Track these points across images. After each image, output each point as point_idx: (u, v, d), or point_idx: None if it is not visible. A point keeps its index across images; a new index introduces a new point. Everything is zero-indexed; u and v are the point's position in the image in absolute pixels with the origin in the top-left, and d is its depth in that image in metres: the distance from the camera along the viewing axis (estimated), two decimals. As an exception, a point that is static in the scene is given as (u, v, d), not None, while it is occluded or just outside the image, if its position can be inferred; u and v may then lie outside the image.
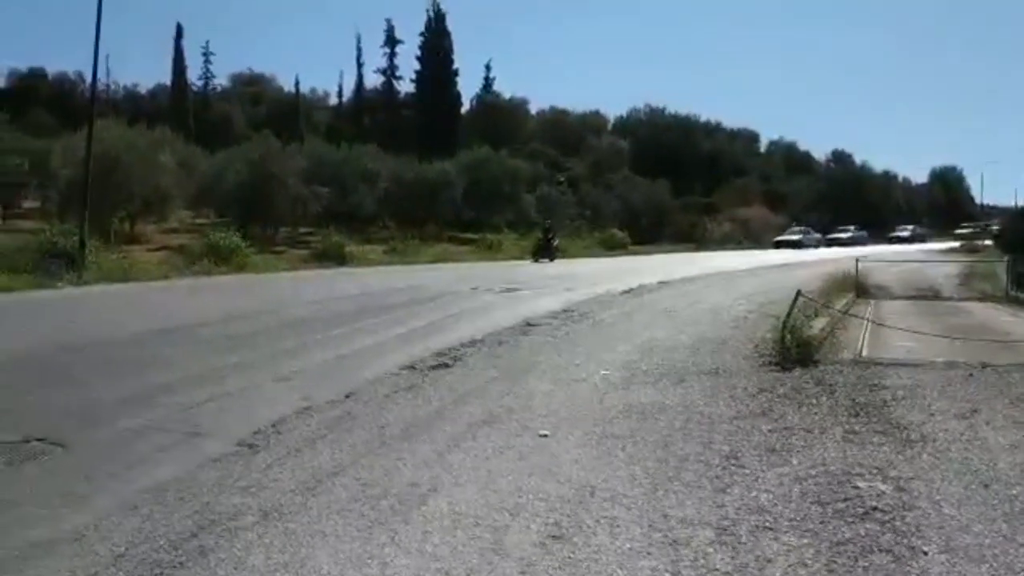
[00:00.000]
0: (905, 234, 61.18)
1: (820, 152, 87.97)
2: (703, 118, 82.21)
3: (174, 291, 17.44)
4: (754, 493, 4.77)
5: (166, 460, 5.45)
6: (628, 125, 79.86)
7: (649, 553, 3.93)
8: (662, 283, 21.14)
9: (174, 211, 33.24)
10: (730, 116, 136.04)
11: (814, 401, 7.02)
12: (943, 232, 60.60)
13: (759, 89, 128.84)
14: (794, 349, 8.74)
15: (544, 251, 33.30)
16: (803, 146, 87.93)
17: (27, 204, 29.73)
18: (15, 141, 23.92)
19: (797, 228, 53.65)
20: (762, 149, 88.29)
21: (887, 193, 75.90)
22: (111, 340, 10.25)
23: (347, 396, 7.41)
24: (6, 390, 7.31)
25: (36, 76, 65.71)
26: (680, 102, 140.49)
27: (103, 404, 6.86)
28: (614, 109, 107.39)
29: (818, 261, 28.12)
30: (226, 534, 4.16)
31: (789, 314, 9.42)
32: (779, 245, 48.81)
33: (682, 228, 54.49)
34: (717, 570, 3.73)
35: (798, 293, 10.00)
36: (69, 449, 5.65)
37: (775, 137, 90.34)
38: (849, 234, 56.21)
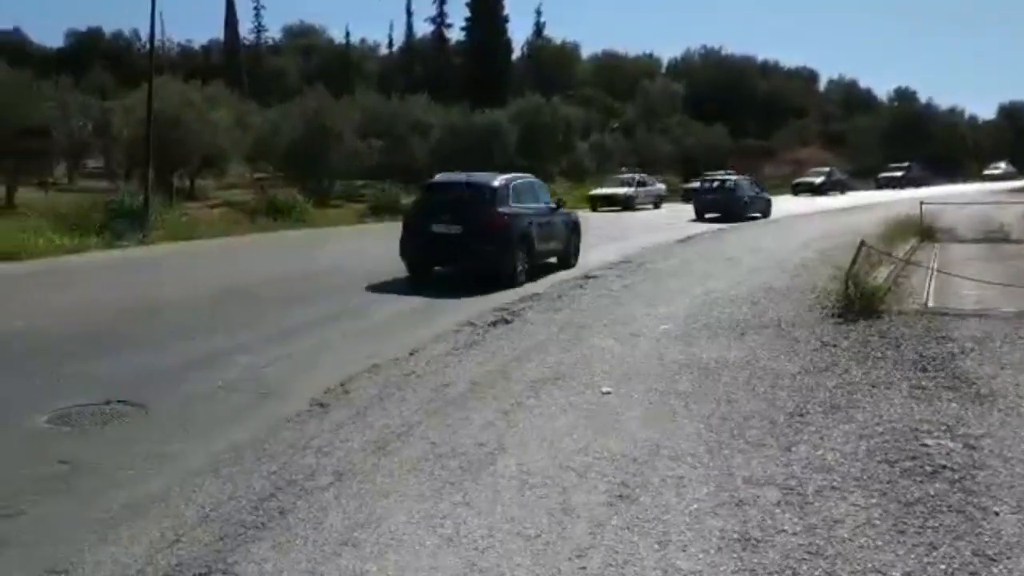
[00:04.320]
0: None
1: (883, 90, 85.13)
2: (760, 58, 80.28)
3: (237, 249, 17.79)
4: (820, 451, 4.77)
5: (242, 420, 5.66)
6: (683, 68, 78.30)
7: (716, 513, 3.98)
8: (721, 230, 20.93)
9: (231, 167, 33.74)
10: (788, 55, 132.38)
11: (879, 355, 6.94)
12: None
13: (818, 26, 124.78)
14: (857, 300, 8.63)
15: None
16: (864, 84, 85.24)
17: (92, 164, 30.52)
18: (78, 103, 24.41)
19: (627, 176, 35.77)
20: (821, 88, 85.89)
21: (953, 131, 73.11)
22: (181, 300, 10.54)
23: (411, 353, 7.55)
24: (87, 353, 7.60)
25: (94, 36, 66.84)
26: (736, 42, 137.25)
27: (179, 365, 7.11)
28: (668, 52, 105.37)
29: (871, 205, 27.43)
30: (303, 495, 4.32)
31: (853, 263, 9.26)
32: (597, 203, 32.48)
33: (739, 172, 53.42)
34: (785, 531, 3.77)
35: (862, 243, 9.81)
36: (149, 410, 5.89)
37: (835, 76, 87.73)
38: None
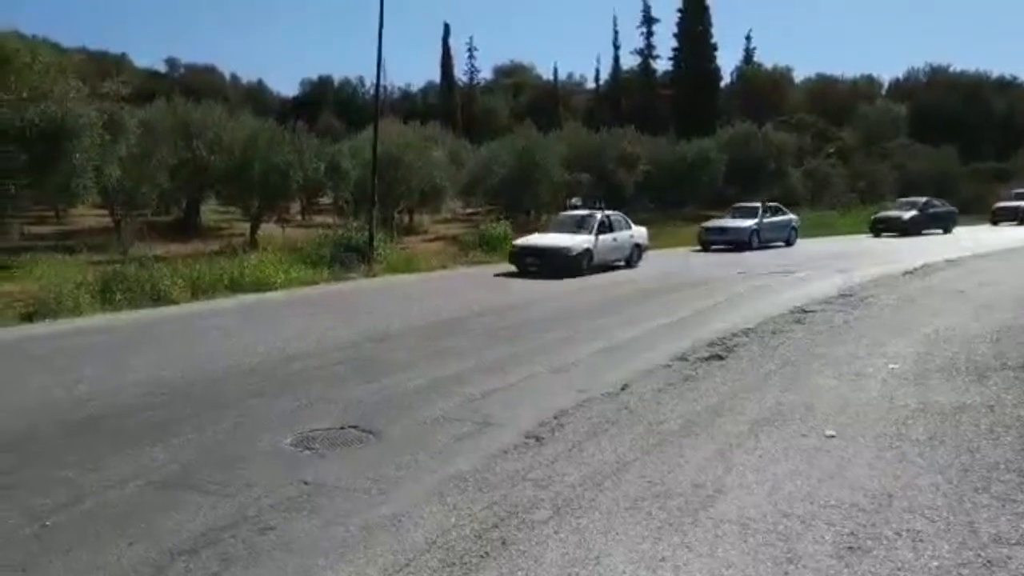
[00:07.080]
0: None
1: None
2: (995, 74, 74.13)
3: (452, 281, 18.60)
4: (1082, 511, 4.31)
5: (464, 449, 5.89)
6: (905, 88, 73.76)
7: (961, 574, 3.69)
8: (949, 261, 19.46)
9: (446, 202, 35.38)
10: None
11: None
12: None
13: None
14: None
15: None
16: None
17: (323, 201, 33.19)
18: (311, 146, 26.64)
19: (581, 212, 22.63)
20: (1069, 103, 77.82)
21: None
22: (404, 331, 11.14)
23: (622, 389, 7.56)
24: (325, 380, 8.20)
25: (324, 83, 72.86)
26: (966, 58, 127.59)
27: (405, 393, 7.52)
28: (889, 72, 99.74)
29: None
30: (523, 527, 4.43)
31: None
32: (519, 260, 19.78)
33: (969, 198, 49.19)
34: (1043, 599, 3.44)
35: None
36: (379, 437, 6.26)
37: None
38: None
